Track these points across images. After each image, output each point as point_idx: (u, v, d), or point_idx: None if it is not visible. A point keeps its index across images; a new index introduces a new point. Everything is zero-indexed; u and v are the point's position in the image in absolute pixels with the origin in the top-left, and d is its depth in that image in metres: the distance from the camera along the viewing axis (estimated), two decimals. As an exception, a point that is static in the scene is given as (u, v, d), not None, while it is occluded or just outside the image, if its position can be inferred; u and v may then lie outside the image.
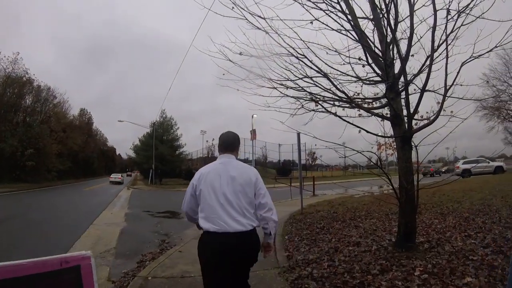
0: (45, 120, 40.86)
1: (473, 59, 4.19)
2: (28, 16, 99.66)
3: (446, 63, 4.15)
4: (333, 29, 4.90)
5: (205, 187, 2.24)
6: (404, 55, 4.34)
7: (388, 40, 4.84)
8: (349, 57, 4.78)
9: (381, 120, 5.01)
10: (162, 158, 39.16)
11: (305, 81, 4.75)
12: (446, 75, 4.17)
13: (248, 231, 2.15)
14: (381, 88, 5.47)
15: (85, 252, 1.29)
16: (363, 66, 5.18)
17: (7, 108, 35.44)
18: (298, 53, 4.63)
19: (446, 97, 4.29)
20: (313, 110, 4.56)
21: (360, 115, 5.00)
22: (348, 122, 4.36)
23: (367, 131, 4.21)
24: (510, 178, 15.77)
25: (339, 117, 4.37)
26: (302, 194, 9.76)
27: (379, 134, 4.44)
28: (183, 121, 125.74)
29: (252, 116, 40.51)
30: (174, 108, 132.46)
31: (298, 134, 8.94)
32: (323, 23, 4.51)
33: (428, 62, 4.23)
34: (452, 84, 4.28)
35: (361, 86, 5.33)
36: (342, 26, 4.67)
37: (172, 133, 44.42)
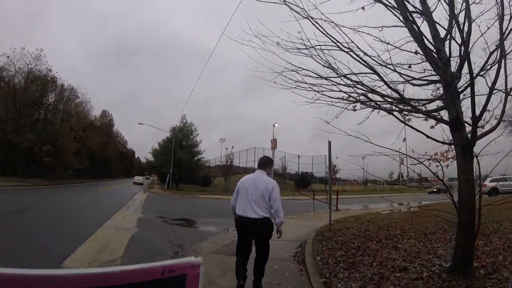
0: (66, 119, 40.78)
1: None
2: (57, 13, 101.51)
3: (505, 62, 3.63)
4: (379, 27, 4.43)
5: (242, 189, 3.76)
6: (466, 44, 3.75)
7: (442, 36, 4.28)
8: (401, 50, 4.20)
9: (430, 127, 4.43)
10: (180, 163, 38.74)
11: (346, 79, 4.25)
12: (506, 76, 3.64)
13: (260, 218, 3.56)
14: (430, 90, 4.88)
15: (195, 259, 1.05)
16: (409, 66, 4.64)
17: (29, 103, 35.30)
18: (344, 46, 4.12)
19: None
20: (373, 106, 3.93)
21: (409, 119, 4.39)
22: (407, 125, 3.72)
23: (428, 136, 3.55)
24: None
25: (398, 118, 3.75)
26: (331, 208, 9.01)
27: (440, 140, 3.75)
28: (203, 127, 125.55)
29: (274, 125, 40.21)
30: (195, 113, 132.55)
31: (329, 143, 8.34)
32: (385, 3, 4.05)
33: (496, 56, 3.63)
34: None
35: (403, 90, 4.78)
36: (397, 17, 4.17)
37: (191, 138, 44.09)
